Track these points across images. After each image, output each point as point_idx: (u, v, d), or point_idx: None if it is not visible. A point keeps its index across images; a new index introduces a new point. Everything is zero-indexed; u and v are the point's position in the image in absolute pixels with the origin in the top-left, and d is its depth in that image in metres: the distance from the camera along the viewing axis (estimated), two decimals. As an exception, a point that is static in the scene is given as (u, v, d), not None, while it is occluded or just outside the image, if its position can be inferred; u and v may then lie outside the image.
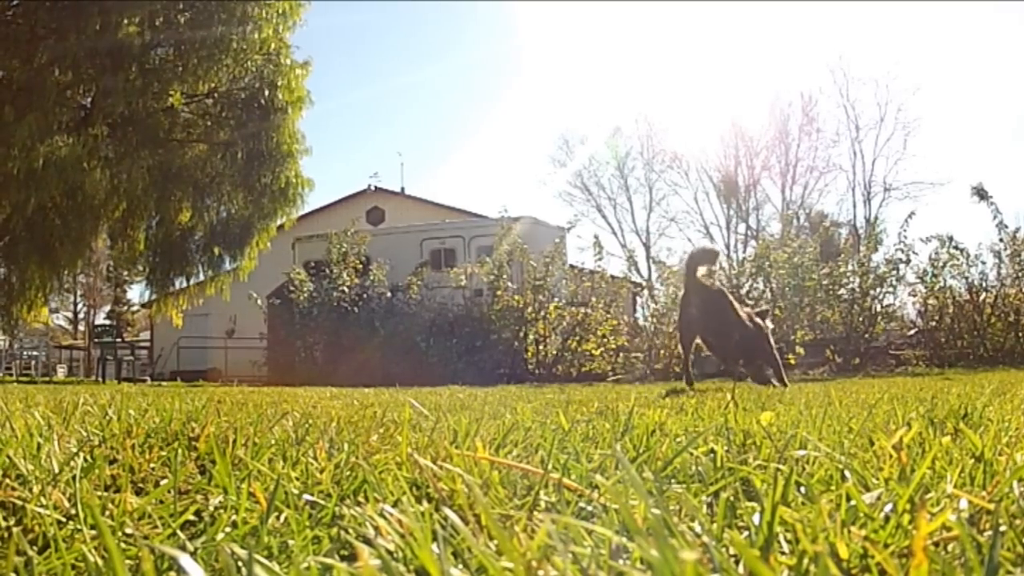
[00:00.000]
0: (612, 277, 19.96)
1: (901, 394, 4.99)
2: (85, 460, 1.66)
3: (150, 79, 20.18)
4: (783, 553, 1.02)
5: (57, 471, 1.51)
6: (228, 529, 1.24)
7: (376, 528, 1.10)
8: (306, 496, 1.35)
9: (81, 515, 1.23)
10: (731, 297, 9.20)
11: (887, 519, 1.13)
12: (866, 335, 17.16)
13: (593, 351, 18.34)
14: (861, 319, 17.17)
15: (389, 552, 1.03)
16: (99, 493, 1.47)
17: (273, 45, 21.46)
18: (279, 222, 23.03)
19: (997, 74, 65.34)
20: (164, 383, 19.60)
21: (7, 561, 1.00)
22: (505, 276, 18.92)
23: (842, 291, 17.39)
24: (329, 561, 0.98)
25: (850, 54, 65.56)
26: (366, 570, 0.80)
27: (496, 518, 1.11)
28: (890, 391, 5.53)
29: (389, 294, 19.77)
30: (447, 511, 1.07)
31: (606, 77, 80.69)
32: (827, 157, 51.60)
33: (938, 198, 48.89)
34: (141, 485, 1.66)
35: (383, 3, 71.19)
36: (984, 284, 17.02)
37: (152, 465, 1.77)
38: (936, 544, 1.02)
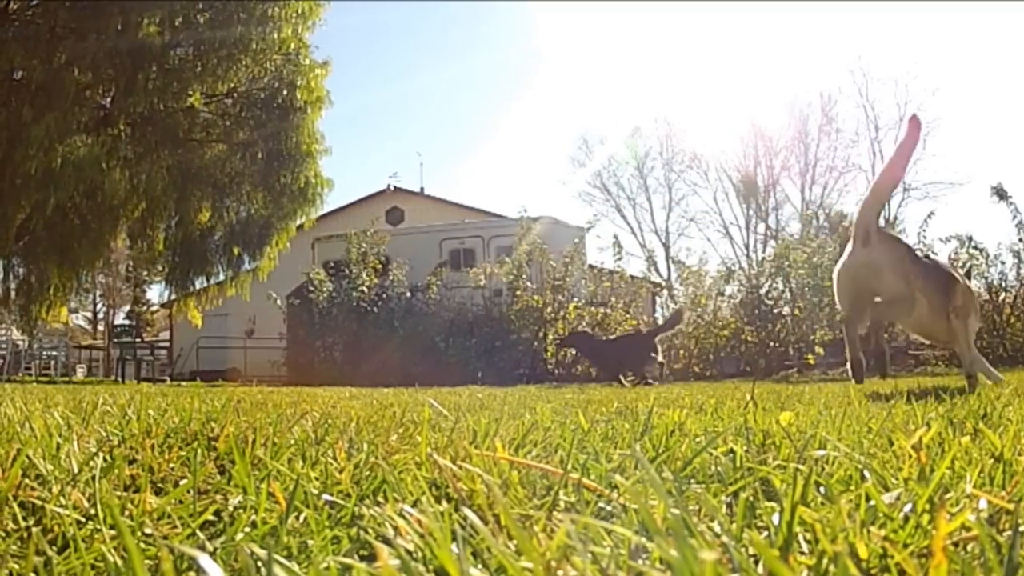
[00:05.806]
0: (631, 277, 19.99)
1: (920, 394, 4.97)
2: (104, 460, 1.66)
3: (170, 79, 20.26)
4: (803, 553, 1.01)
5: (77, 471, 1.52)
6: (247, 529, 1.25)
7: (396, 528, 1.10)
8: (326, 496, 1.36)
9: (100, 515, 1.23)
10: None
11: (907, 519, 1.12)
12: (886, 335, 17.07)
13: (612, 351, 18.33)
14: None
15: (408, 552, 1.03)
16: (118, 493, 1.48)
17: (292, 45, 21.51)
18: (298, 222, 23.06)
19: (1017, 74, 64.90)
20: (184, 383, 19.70)
21: (27, 561, 1.01)
22: (524, 276, 18.93)
23: (862, 291, 17.28)
24: (349, 561, 0.98)
25: (869, 54, 65.48)
26: (385, 570, 0.80)
27: (515, 518, 1.11)
28: (909, 391, 5.51)
29: (408, 294, 19.78)
30: (466, 511, 1.08)
31: (625, 77, 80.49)
32: (846, 157, 51.29)
33: (957, 198, 48.38)
34: (160, 485, 1.66)
35: (402, 3, 71.04)
36: (1004, 284, 16.87)
37: (171, 465, 1.78)
38: (955, 544, 1.01)
